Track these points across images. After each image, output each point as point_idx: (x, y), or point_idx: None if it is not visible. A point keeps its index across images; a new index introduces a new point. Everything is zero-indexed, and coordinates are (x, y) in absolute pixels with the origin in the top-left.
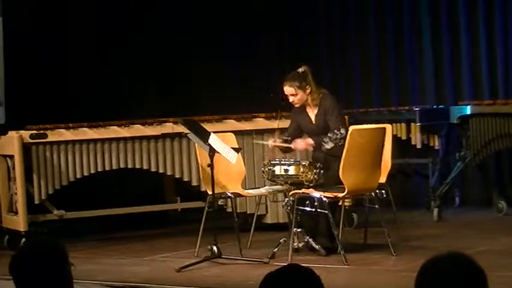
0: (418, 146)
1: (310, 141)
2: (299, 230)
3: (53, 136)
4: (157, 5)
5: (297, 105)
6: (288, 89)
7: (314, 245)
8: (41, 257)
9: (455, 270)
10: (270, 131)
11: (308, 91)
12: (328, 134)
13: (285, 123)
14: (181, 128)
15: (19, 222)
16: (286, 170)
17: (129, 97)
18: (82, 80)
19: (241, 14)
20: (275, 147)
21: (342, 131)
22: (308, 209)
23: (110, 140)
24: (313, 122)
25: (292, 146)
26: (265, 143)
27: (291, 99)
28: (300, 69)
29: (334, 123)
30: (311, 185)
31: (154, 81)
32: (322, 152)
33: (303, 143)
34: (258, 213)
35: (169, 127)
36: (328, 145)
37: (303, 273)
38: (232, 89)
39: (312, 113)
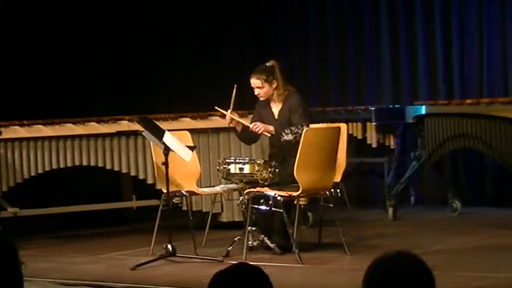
0: (374, 145)
1: (271, 127)
2: (254, 228)
3: (7, 133)
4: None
5: (261, 99)
6: (254, 82)
7: (269, 243)
8: None
9: (402, 270)
10: (226, 130)
11: (274, 85)
12: (291, 127)
13: (247, 120)
14: (136, 126)
15: None
16: (241, 169)
17: (84, 94)
18: (37, 77)
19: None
20: (232, 120)
21: (305, 127)
22: (263, 207)
23: (65, 137)
24: (276, 118)
25: (251, 126)
26: (224, 112)
27: (256, 91)
28: (269, 63)
29: (297, 120)
30: (266, 183)
31: (108, 79)
32: (278, 149)
33: (262, 127)
34: (213, 212)
35: (124, 125)
36: (288, 137)
37: (251, 272)
38: (188, 88)
39: (276, 108)
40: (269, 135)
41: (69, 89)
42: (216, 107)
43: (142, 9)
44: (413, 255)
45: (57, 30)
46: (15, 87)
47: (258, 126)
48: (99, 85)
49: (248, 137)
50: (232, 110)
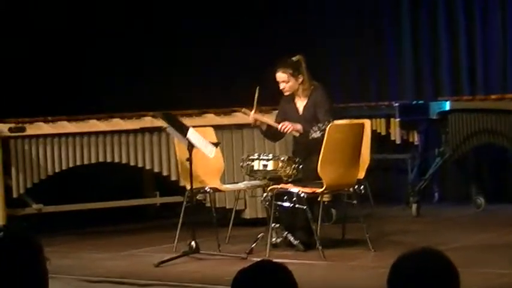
0: (398, 142)
1: (299, 126)
2: (277, 225)
3: (32, 129)
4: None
5: (286, 93)
6: (280, 75)
7: (292, 240)
8: (14, 252)
9: (428, 267)
10: (250, 126)
11: (300, 80)
12: (318, 124)
13: (270, 117)
14: (160, 122)
15: None
16: (264, 165)
17: (108, 91)
18: (60, 74)
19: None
20: (256, 120)
21: (331, 123)
22: (286, 204)
23: (89, 133)
24: (300, 113)
25: (279, 126)
26: (249, 112)
27: (281, 86)
28: (295, 58)
29: (323, 115)
30: (289, 180)
31: (133, 76)
32: (302, 145)
33: (290, 126)
34: (237, 208)
35: (148, 121)
36: (316, 134)
37: (275, 269)
38: (212, 85)
39: (301, 103)
40: (297, 134)
41: (93, 86)
42: (242, 110)
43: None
44: (439, 252)
45: (72, 27)
46: (40, 83)
47: (286, 126)
48: (121, 82)
49: (273, 134)
50: (256, 109)
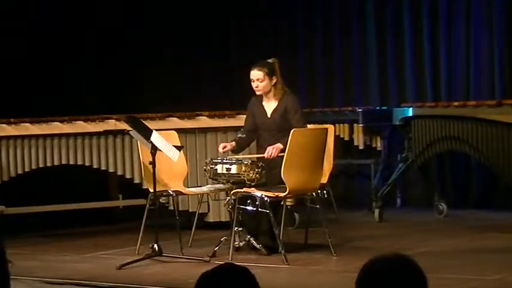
0: (361, 147)
1: (279, 145)
2: (240, 229)
3: None
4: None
5: (258, 92)
6: (256, 73)
7: (255, 244)
8: None
9: (397, 272)
10: (213, 130)
11: (273, 81)
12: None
13: (232, 121)
14: (123, 125)
15: None
16: (228, 169)
17: (71, 93)
18: (24, 75)
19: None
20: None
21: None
22: (250, 208)
23: (52, 135)
24: (269, 116)
25: (265, 155)
26: (252, 156)
27: (255, 84)
28: (270, 60)
29: (297, 122)
30: (253, 184)
31: (97, 78)
32: (265, 149)
33: (274, 150)
34: (200, 212)
35: (111, 124)
36: None
37: (238, 272)
38: (176, 87)
39: (269, 107)
40: (282, 154)
41: (56, 88)
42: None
43: (134, 8)
44: (408, 257)
45: (50, 30)
46: (3, 85)
47: (271, 153)
48: (84, 84)
49: (242, 146)
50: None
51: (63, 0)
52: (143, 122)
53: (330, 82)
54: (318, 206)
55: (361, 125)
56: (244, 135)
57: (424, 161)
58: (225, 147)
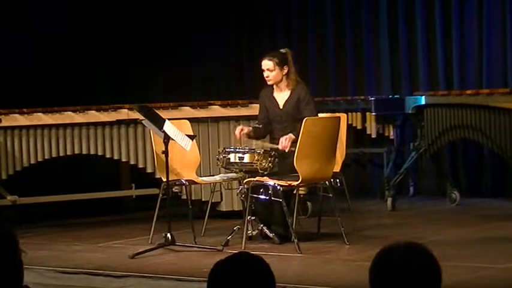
0: (373, 136)
1: (292, 135)
2: (253, 218)
3: (7, 121)
4: None
5: (270, 82)
6: (266, 63)
7: (268, 233)
8: None
9: (410, 260)
10: (225, 119)
11: (285, 71)
12: None
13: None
14: (136, 115)
15: None
16: (241, 158)
17: (84, 83)
18: (37, 65)
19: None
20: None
21: None
22: (262, 197)
23: (65, 125)
24: (281, 107)
25: (280, 147)
26: (274, 146)
27: (265, 74)
28: (282, 50)
29: (310, 112)
30: (265, 173)
31: (111, 68)
32: (279, 139)
33: (287, 141)
34: (213, 201)
35: (124, 113)
36: None
37: (252, 260)
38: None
39: (281, 97)
40: (295, 144)
41: (69, 77)
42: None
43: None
44: (421, 246)
45: (57, 21)
46: (15, 75)
47: (285, 145)
48: (99, 73)
49: (258, 137)
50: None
51: None
52: (156, 111)
53: (342, 71)
54: (330, 195)
55: (373, 113)
56: (260, 126)
57: (436, 149)
58: (242, 129)
